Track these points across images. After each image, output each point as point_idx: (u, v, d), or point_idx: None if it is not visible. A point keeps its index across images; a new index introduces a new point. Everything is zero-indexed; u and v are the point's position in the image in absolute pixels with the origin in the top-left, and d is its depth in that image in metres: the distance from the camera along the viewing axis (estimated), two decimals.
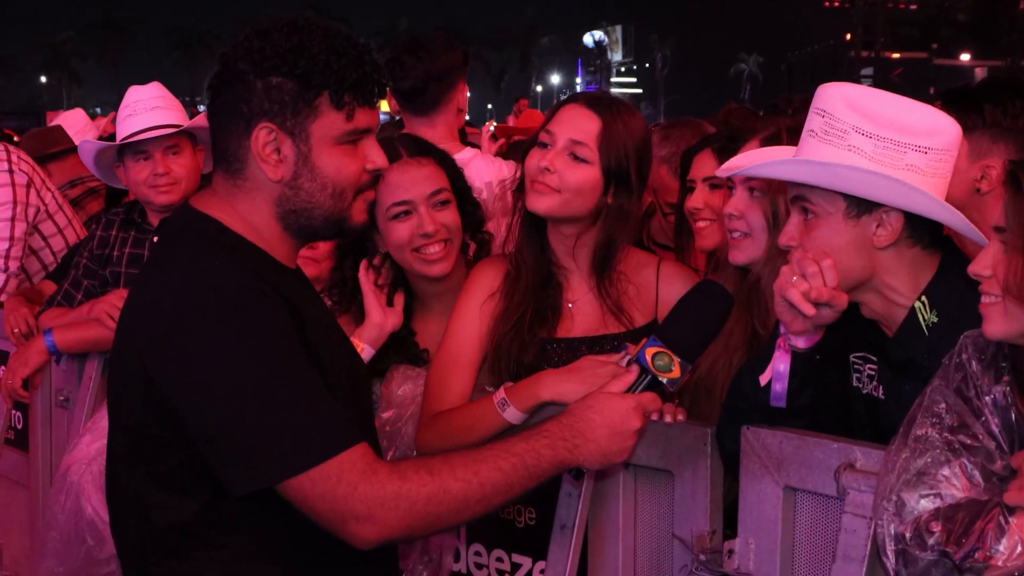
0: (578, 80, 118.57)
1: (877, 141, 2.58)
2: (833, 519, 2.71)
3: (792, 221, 2.74)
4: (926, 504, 2.28)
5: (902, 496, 2.30)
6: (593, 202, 3.42)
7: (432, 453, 2.95)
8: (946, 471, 2.30)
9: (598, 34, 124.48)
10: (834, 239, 2.64)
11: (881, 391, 2.80)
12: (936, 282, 2.69)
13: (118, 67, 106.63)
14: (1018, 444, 2.31)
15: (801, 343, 2.71)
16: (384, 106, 3.04)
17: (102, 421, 4.39)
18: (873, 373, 2.82)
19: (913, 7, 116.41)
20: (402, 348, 3.74)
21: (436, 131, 4.80)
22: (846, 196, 2.63)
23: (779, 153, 2.96)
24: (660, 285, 3.55)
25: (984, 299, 2.37)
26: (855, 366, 2.88)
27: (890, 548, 2.30)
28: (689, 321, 2.85)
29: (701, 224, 3.75)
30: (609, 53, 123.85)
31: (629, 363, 2.83)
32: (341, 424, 2.43)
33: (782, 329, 2.73)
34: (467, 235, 3.82)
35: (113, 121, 5.10)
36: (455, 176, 3.78)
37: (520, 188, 3.52)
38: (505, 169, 4.92)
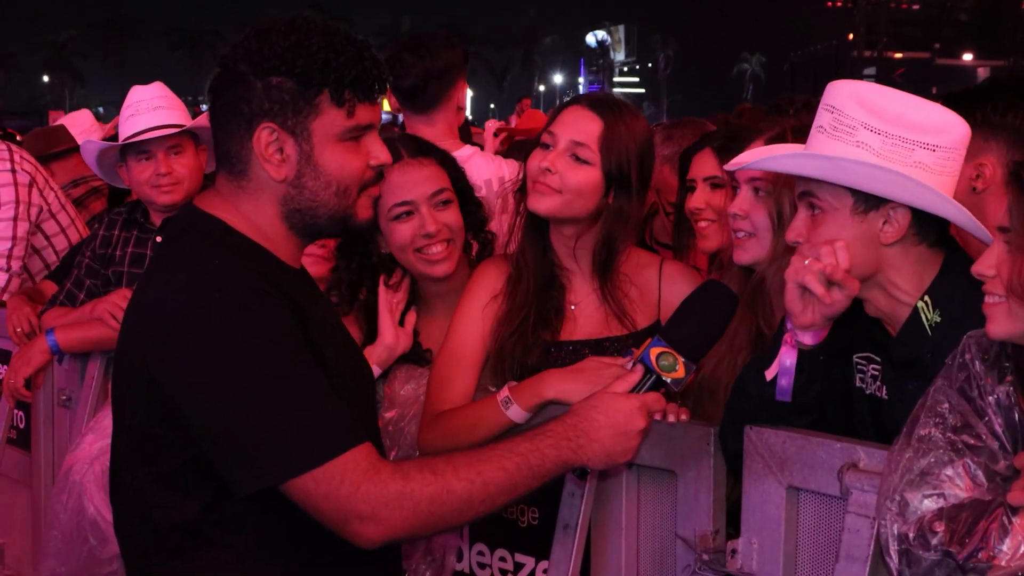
0: (580, 80, 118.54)
1: (885, 138, 2.58)
2: (836, 519, 2.71)
3: (799, 217, 2.74)
4: (929, 504, 2.28)
5: (905, 496, 2.30)
6: (594, 203, 3.42)
7: (435, 453, 2.94)
8: (949, 471, 2.30)
9: (601, 34, 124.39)
10: (841, 235, 2.65)
11: (885, 391, 2.80)
12: (939, 281, 2.69)
13: (121, 67, 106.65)
14: (1021, 444, 2.31)
15: (808, 339, 2.71)
16: (384, 105, 3.04)
17: (104, 420, 4.39)
18: (877, 373, 2.82)
19: (915, 7, 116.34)
20: None
21: (436, 129, 4.81)
22: (853, 192, 2.64)
23: (785, 151, 2.96)
24: (662, 285, 3.55)
25: (988, 299, 2.37)
26: (858, 366, 2.88)
27: (893, 548, 2.30)
28: (694, 321, 2.85)
29: (703, 224, 3.75)
30: (612, 53, 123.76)
31: (634, 363, 2.83)
32: (345, 424, 2.43)
33: (788, 325, 2.73)
34: (470, 235, 3.82)
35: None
36: (457, 176, 3.78)
37: (522, 189, 3.52)
38: (505, 167, 4.93)
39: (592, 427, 2.65)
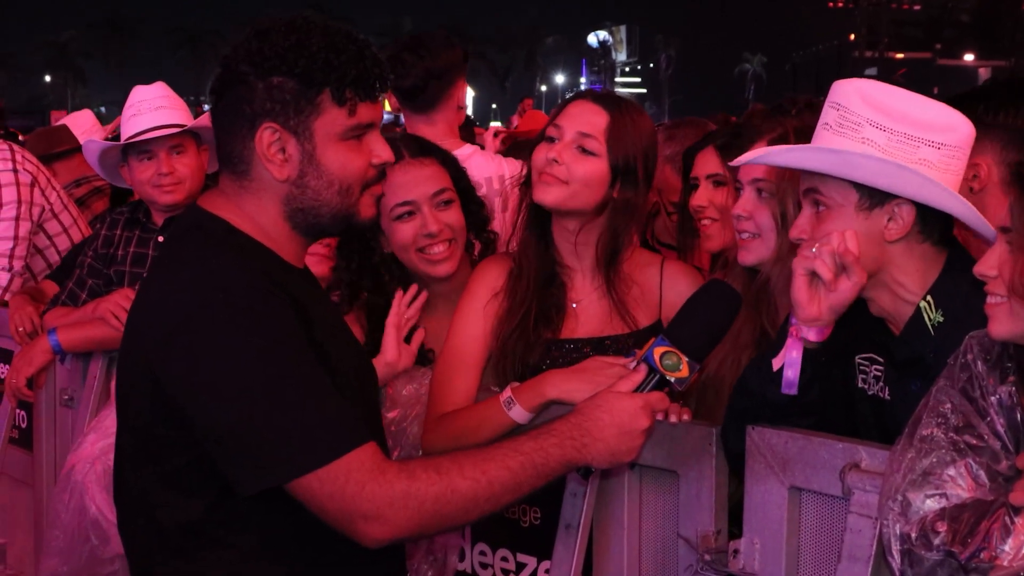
0: (582, 80, 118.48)
1: (891, 134, 2.59)
2: (838, 519, 2.70)
3: (803, 214, 2.74)
4: (932, 504, 2.28)
5: (907, 496, 2.30)
6: (600, 195, 3.43)
7: (440, 453, 2.94)
8: (951, 471, 2.29)
9: (602, 34, 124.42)
10: (853, 230, 2.65)
11: (887, 392, 2.80)
12: (941, 281, 2.69)
13: (122, 67, 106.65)
14: (1023, 444, 2.31)
15: (813, 335, 2.70)
16: (385, 105, 3.04)
17: (106, 420, 4.40)
18: (879, 374, 2.82)
19: (917, 8, 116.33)
20: None
21: (436, 128, 4.82)
22: (858, 188, 2.64)
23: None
24: (664, 285, 3.55)
25: (990, 299, 2.37)
26: (861, 367, 2.88)
27: (895, 548, 2.30)
28: (697, 321, 2.85)
29: (706, 224, 3.75)
30: (613, 53, 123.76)
31: (637, 363, 2.83)
32: (350, 423, 2.43)
33: (793, 320, 2.73)
34: (472, 234, 3.82)
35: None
36: (458, 176, 3.79)
37: (527, 183, 3.52)
38: (505, 165, 4.94)
39: (596, 426, 2.65)
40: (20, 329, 4.96)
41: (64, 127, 7.31)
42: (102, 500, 4.33)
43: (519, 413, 3.23)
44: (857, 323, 2.78)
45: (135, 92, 4.78)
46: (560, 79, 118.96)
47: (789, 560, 2.80)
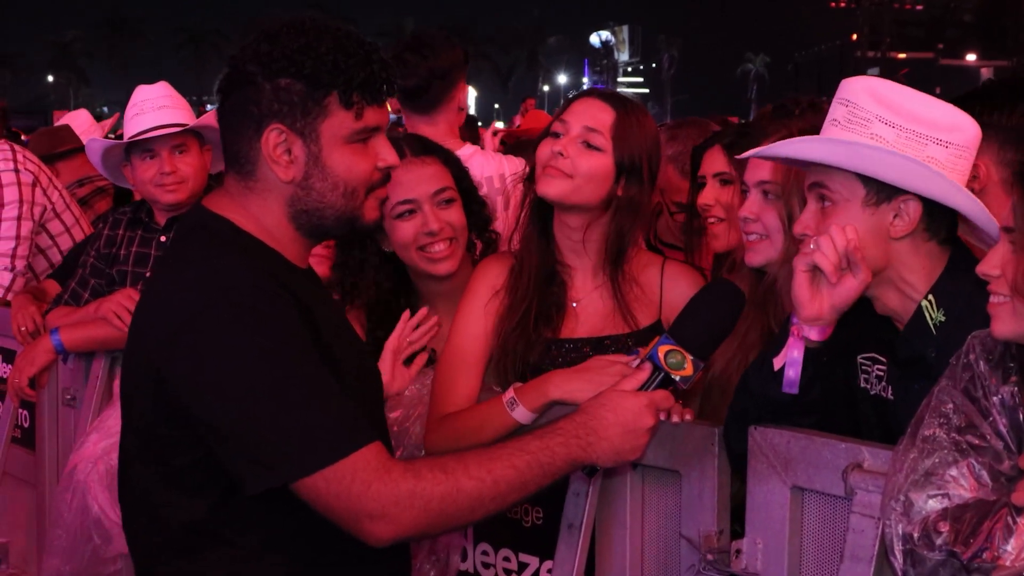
0: (585, 80, 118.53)
1: (899, 131, 2.59)
2: (841, 519, 2.70)
3: (808, 210, 2.74)
4: (934, 504, 2.28)
5: (910, 496, 2.30)
6: (604, 191, 3.43)
7: (444, 453, 2.95)
8: (954, 471, 2.29)
9: (605, 34, 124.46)
10: (853, 224, 2.64)
11: (890, 392, 2.79)
12: (944, 280, 2.69)
13: (125, 67, 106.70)
14: None
15: (814, 334, 2.70)
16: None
17: (109, 420, 4.40)
18: (882, 374, 2.82)
19: (919, 7, 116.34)
20: None
21: (437, 129, 4.82)
22: (865, 183, 2.64)
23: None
24: (665, 285, 3.54)
25: (992, 299, 2.36)
26: (863, 367, 2.87)
27: (898, 548, 2.30)
28: (701, 319, 2.86)
29: (712, 223, 3.76)
30: (616, 53, 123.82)
31: (641, 362, 2.84)
32: (355, 423, 2.44)
33: (795, 319, 2.73)
34: (474, 234, 3.82)
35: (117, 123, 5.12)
36: (460, 175, 3.79)
37: (530, 178, 3.52)
38: (506, 164, 4.94)
39: (601, 425, 2.66)
40: (23, 329, 4.96)
41: (67, 127, 7.32)
42: (104, 500, 4.33)
43: (522, 414, 3.23)
44: (860, 322, 2.78)
45: (138, 92, 4.78)
46: (563, 79, 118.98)
47: (791, 560, 2.80)
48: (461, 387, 3.47)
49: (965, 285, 2.59)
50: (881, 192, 2.64)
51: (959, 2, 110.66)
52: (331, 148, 2.57)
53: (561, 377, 3.24)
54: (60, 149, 6.93)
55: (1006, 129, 3.17)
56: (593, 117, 3.43)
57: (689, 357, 2.80)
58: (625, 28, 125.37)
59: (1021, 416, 2.31)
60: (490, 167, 4.89)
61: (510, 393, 3.27)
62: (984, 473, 2.28)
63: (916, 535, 2.26)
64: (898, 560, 2.30)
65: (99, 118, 10.11)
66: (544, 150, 3.45)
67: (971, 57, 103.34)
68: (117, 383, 4.44)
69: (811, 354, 2.73)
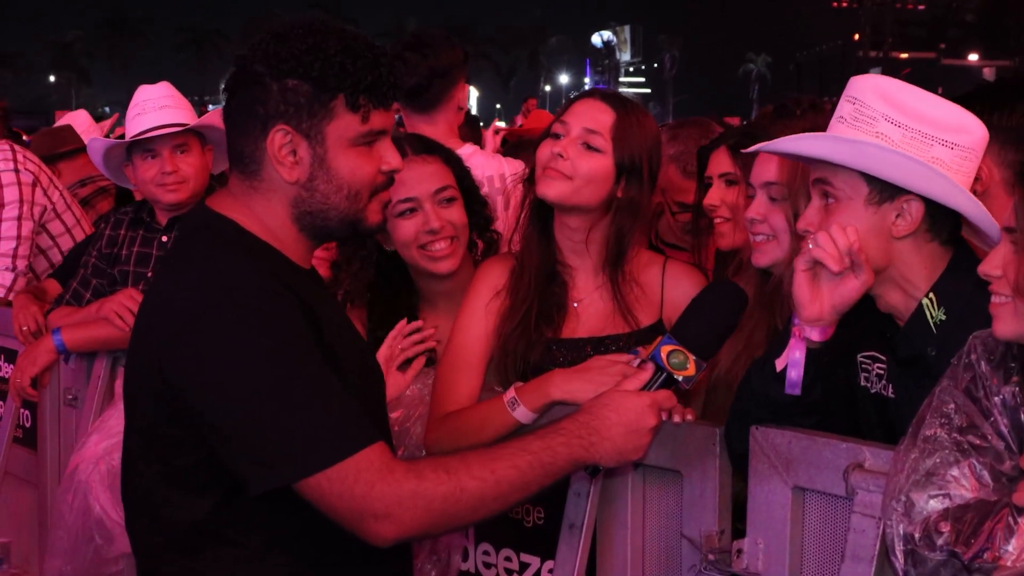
0: (586, 80, 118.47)
1: (905, 131, 2.60)
2: (842, 519, 2.70)
3: (812, 206, 2.74)
4: (935, 504, 2.28)
5: (911, 496, 2.30)
6: (604, 193, 3.43)
7: (445, 453, 2.95)
8: (955, 471, 2.29)
9: (606, 34, 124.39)
10: (853, 225, 2.65)
11: (891, 390, 2.80)
12: (945, 278, 2.69)
13: (126, 67, 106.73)
14: None
15: (815, 335, 2.70)
16: None
17: (111, 420, 4.40)
18: (882, 372, 2.82)
19: (921, 7, 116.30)
20: None
21: (437, 128, 4.82)
22: (869, 182, 2.64)
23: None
24: (665, 284, 3.55)
25: (994, 299, 2.36)
26: (863, 366, 2.88)
27: (899, 548, 2.30)
28: (704, 319, 2.87)
29: (719, 222, 3.77)
30: (617, 53, 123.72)
31: (644, 361, 2.84)
32: (358, 423, 2.44)
33: (796, 319, 2.73)
34: (475, 234, 3.82)
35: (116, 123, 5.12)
36: (462, 174, 3.79)
37: (530, 179, 3.52)
38: (506, 164, 4.95)
39: (604, 424, 2.66)
40: (24, 328, 4.96)
41: (68, 127, 7.33)
42: (106, 500, 4.34)
43: (523, 414, 3.23)
44: (861, 321, 2.78)
45: (139, 92, 4.78)
46: (564, 79, 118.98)
47: (793, 560, 2.80)
48: (462, 387, 3.47)
49: (967, 285, 2.60)
50: (884, 191, 2.64)
51: (961, 2, 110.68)
52: (336, 150, 2.57)
53: (562, 377, 3.24)
54: (62, 149, 6.94)
55: (1006, 129, 3.17)
56: (593, 118, 3.43)
57: (692, 357, 2.80)
58: (627, 28, 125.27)
59: (1022, 416, 2.31)
60: (490, 167, 4.89)
61: (511, 393, 3.27)
62: (985, 473, 2.28)
63: (917, 535, 2.26)
64: (899, 560, 2.30)
65: (100, 118, 10.13)
66: (544, 151, 3.45)
67: (973, 57, 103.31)
68: (119, 383, 4.45)
69: (812, 355, 2.73)
